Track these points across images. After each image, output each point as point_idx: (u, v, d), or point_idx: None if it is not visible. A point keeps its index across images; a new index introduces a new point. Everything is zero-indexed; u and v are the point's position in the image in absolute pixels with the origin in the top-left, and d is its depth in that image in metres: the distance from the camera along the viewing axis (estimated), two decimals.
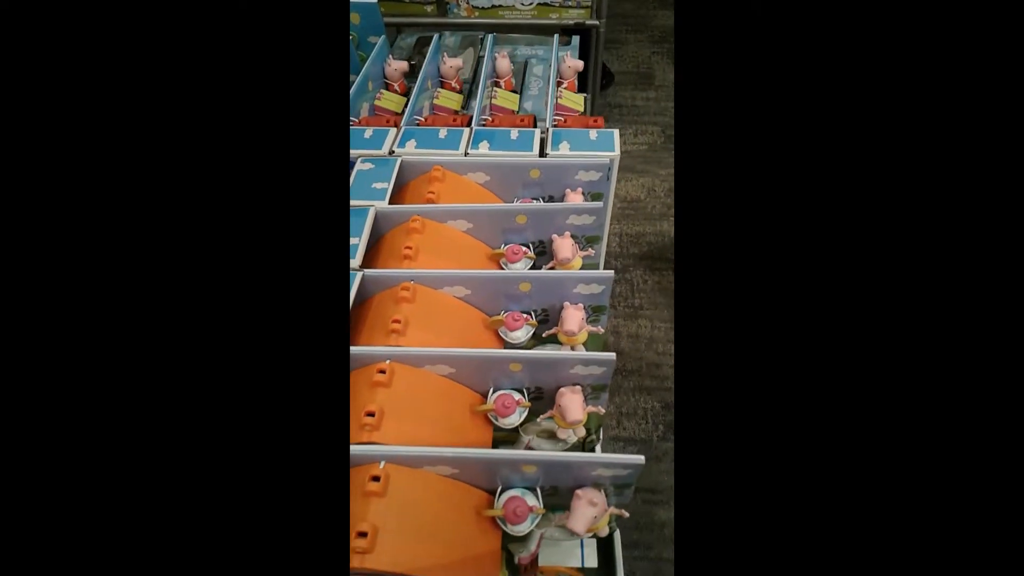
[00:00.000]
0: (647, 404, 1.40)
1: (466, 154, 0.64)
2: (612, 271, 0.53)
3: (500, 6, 0.88)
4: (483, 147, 0.65)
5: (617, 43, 2.15)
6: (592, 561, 0.48)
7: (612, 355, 0.47)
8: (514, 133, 0.66)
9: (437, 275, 0.52)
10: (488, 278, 0.53)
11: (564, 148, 0.65)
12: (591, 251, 0.60)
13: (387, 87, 0.80)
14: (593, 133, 0.66)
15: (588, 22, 0.89)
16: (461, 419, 0.48)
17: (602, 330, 0.55)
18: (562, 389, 0.47)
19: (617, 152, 0.64)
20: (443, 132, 0.66)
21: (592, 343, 0.56)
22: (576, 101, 0.76)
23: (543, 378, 0.49)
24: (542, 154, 0.64)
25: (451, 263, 0.56)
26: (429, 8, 0.89)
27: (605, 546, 0.48)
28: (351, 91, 0.73)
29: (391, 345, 0.47)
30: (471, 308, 0.54)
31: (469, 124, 0.69)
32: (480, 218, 0.59)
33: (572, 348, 0.55)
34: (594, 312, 0.56)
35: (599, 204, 0.58)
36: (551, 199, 0.66)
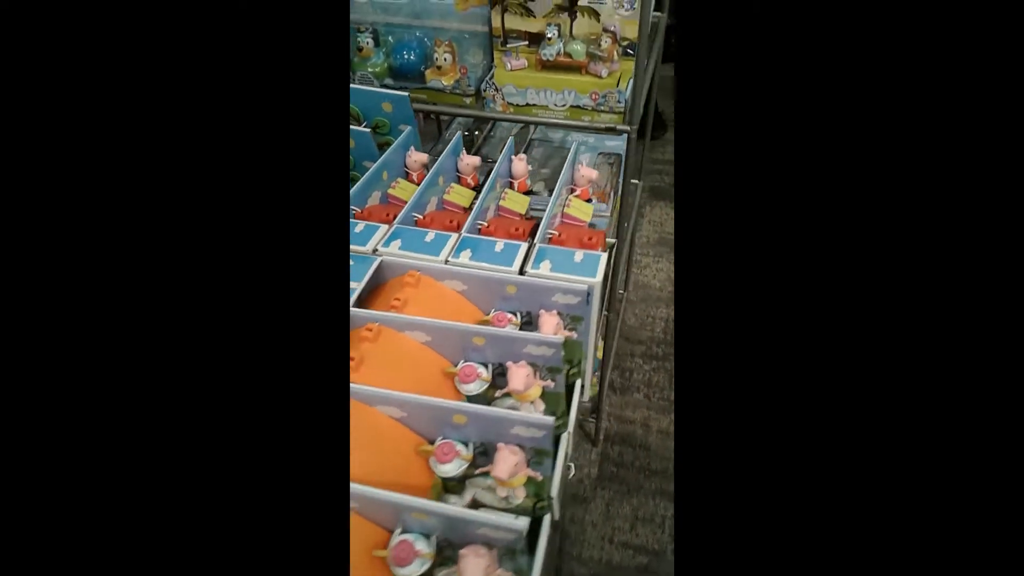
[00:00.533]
0: (666, 511, 1.31)
1: (446, 262, 0.64)
2: (552, 417, 0.50)
3: (534, 105, 0.89)
4: (464, 256, 0.64)
5: None
6: None
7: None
8: (499, 245, 0.65)
9: (372, 392, 0.51)
10: (424, 404, 0.52)
11: (544, 268, 0.62)
12: (551, 383, 0.57)
13: (407, 176, 0.82)
14: (579, 255, 0.64)
15: (619, 127, 0.87)
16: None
17: (541, 476, 0.52)
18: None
19: (598, 279, 0.61)
20: (430, 235, 0.66)
21: (530, 487, 0.53)
22: (584, 211, 0.74)
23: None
24: (521, 271, 0.63)
25: (400, 375, 0.55)
26: (468, 100, 0.91)
27: None
28: (364, 178, 0.75)
29: None
30: (406, 431, 0.52)
31: (461, 229, 0.69)
32: (438, 333, 0.57)
33: (511, 490, 0.52)
34: (537, 455, 0.53)
35: (559, 338, 0.55)
36: (528, 314, 0.64)
